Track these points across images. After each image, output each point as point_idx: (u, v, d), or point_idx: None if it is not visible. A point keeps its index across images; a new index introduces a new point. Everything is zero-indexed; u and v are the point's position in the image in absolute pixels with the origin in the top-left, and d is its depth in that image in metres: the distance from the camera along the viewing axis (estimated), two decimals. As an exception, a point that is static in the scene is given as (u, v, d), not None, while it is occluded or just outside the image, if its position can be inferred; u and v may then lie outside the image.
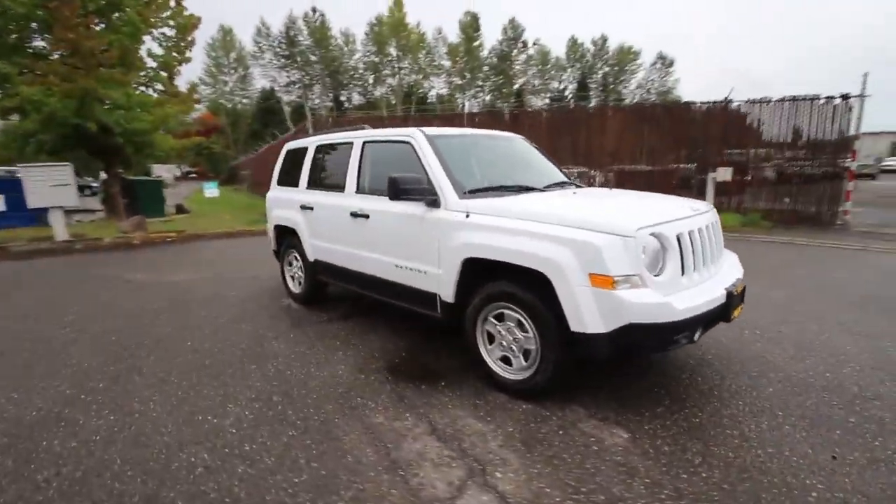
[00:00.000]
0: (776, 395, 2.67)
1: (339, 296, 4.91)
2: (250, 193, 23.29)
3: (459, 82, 53.04)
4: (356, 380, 3.01)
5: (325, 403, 2.70)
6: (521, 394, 2.69)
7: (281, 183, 4.87)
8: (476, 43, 51.84)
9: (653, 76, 56.78)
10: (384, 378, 3.03)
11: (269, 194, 5.06)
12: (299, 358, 3.37)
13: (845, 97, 10.13)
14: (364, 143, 3.77)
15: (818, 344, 3.40)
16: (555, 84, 56.34)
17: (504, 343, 2.74)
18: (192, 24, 12.23)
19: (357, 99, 50.05)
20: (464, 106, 51.67)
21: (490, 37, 71.33)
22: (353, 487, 1.97)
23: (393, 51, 48.41)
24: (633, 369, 3.04)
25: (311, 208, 4.21)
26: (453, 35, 51.73)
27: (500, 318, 2.74)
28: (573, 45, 55.54)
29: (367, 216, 3.55)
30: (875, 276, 5.45)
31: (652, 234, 2.32)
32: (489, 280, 2.78)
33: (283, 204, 4.71)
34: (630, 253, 2.25)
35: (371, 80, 49.58)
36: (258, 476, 2.05)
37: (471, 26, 51.30)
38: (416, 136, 3.31)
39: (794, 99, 10.60)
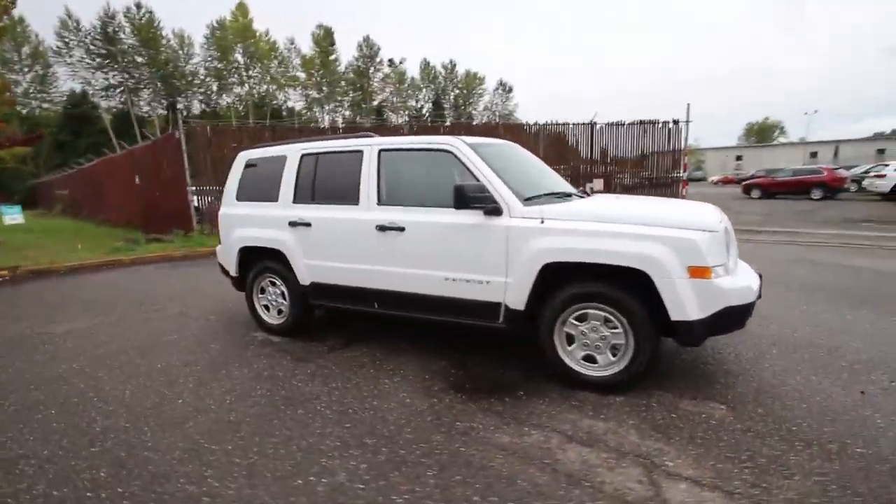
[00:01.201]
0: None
1: (325, 322, 4.40)
2: (73, 218, 18.86)
3: (317, 95, 51.30)
4: (435, 404, 2.77)
5: (430, 434, 2.44)
6: (605, 388, 2.81)
7: (243, 198, 4.18)
8: (332, 57, 50.86)
9: (496, 100, 63.10)
10: (460, 398, 2.85)
11: (226, 211, 4.29)
12: (346, 394, 2.95)
13: (676, 122, 12.83)
14: (380, 151, 3.50)
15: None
16: (412, 102, 58.46)
17: (588, 342, 2.84)
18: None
19: (199, 107, 44.53)
20: (324, 120, 50.14)
21: (346, 52, 70.80)
22: (554, 510, 1.85)
23: (240, 58, 44.48)
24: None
25: (308, 224, 3.70)
26: (307, 47, 49.94)
27: (582, 318, 2.84)
28: (426, 66, 58.50)
29: (401, 229, 3.29)
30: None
31: (725, 228, 2.70)
32: (558, 285, 2.86)
33: (254, 222, 4.04)
34: (718, 245, 2.59)
35: (215, 88, 44.66)
36: (443, 527, 1.78)
37: (325, 40, 50.14)
38: (458, 144, 3.22)
39: (641, 122, 13.01)
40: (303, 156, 3.86)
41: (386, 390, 2.99)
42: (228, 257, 4.28)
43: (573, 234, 2.77)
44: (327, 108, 52.45)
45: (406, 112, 56.31)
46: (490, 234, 3.00)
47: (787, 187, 20.76)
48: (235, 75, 44.84)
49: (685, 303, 2.54)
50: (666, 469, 2.07)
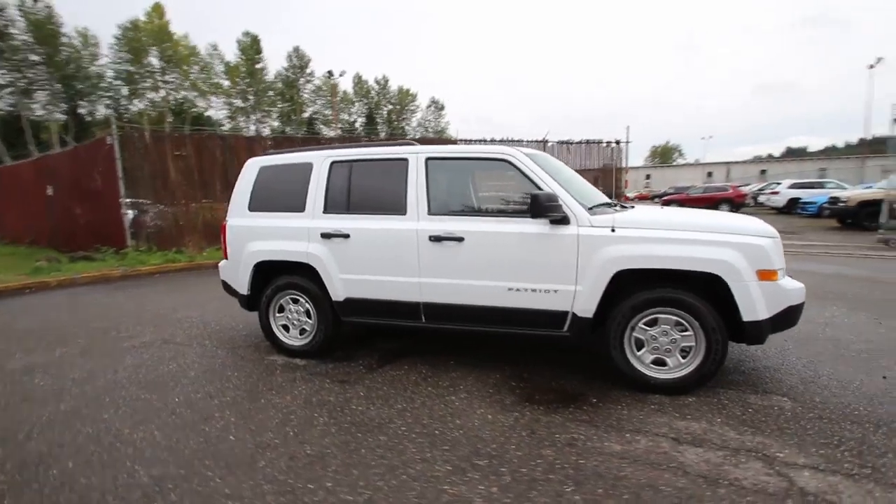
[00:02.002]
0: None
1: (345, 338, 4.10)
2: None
3: (242, 105, 48.64)
4: (519, 419, 2.68)
5: (538, 450, 2.35)
6: (672, 390, 2.91)
7: (258, 208, 3.81)
8: (259, 66, 48.68)
9: (429, 117, 64.15)
10: (539, 410, 2.79)
11: (236, 223, 3.88)
12: (419, 415, 2.76)
13: (618, 142, 13.91)
14: (427, 159, 3.38)
15: None
16: (345, 116, 57.52)
17: (658, 346, 2.93)
18: None
19: (105, 112, 40.11)
20: (250, 129, 47.56)
21: (275, 62, 68.09)
22: (710, 512, 1.86)
23: (155, 61, 40.96)
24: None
25: (346, 236, 3.46)
26: (232, 54, 47.31)
27: (651, 323, 2.93)
28: (359, 81, 58.07)
29: (459, 239, 3.19)
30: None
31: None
32: (625, 291, 2.94)
33: (275, 234, 3.70)
34: (779, 250, 2.82)
35: (125, 92, 40.54)
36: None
37: (252, 48, 47.95)
38: (516, 153, 3.22)
39: (588, 142, 13.92)
40: (333, 163, 3.62)
41: (459, 408, 2.84)
42: (238, 274, 3.86)
43: (647, 241, 2.87)
44: (254, 117, 49.92)
45: (339, 125, 55.28)
46: (559, 243, 3.01)
47: (700, 202, 23.21)
48: (149, 80, 41.14)
49: (756, 304, 2.72)
50: (782, 460, 2.18)
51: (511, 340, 3.90)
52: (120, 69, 39.48)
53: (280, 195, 3.79)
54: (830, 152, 60.12)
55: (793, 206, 19.02)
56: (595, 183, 14.35)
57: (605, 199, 3.64)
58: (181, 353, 3.96)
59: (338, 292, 3.53)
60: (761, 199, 22.38)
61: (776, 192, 20.62)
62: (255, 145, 11.07)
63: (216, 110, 47.18)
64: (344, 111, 57.47)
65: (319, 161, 3.66)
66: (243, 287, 3.86)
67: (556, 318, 3.08)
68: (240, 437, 2.55)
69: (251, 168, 3.94)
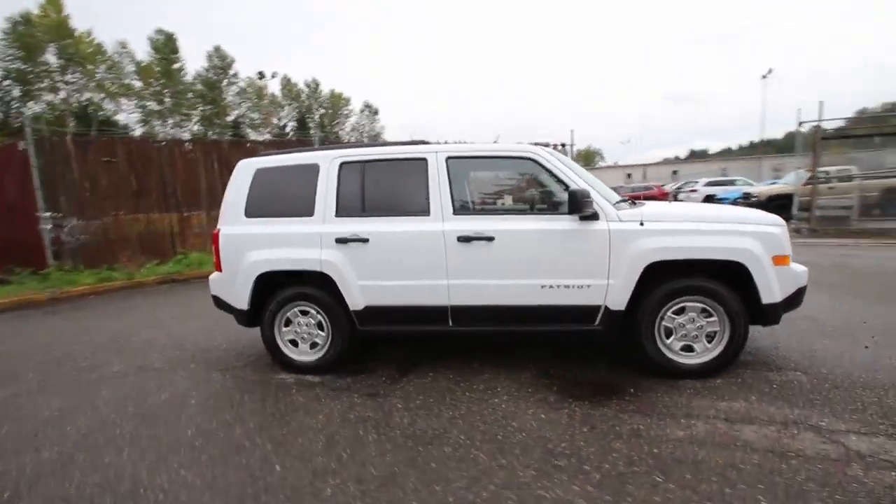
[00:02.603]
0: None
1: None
2: None
3: (158, 107, 44.77)
4: (573, 415, 2.68)
5: (608, 444, 2.35)
6: (700, 374, 3.07)
7: (256, 214, 3.50)
8: (176, 66, 45.10)
9: (363, 121, 63.18)
10: (587, 404, 2.81)
11: (231, 231, 3.53)
12: (472, 422, 2.66)
13: (563, 145, 14.54)
14: (447, 159, 3.30)
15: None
16: (274, 120, 54.99)
17: (686, 333, 3.07)
18: None
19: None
20: (167, 134, 43.86)
21: (194, 62, 63.42)
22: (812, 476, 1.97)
23: (53, 59, 36.48)
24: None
25: (365, 240, 3.27)
26: (144, 53, 43.39)
27: (679, 311, 3.07)
28: (287, 83, 55.81)
29: (489, 238, 3.13)
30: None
31: (782, 223, 3.21)
32: (654, 282, 3.06)
33: (280, 241, 3.41)
34: (787, 236, 3.07)
35: (17, 93, 35.67)
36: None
37: (166, 46, 44.31)
38: (540, 151, 3.24)
39: (536, 144, 14.38)
40: (342, 164, 3.41)
41: (508, 410, 2.79)
42: (236, 287, 3.50)
43: (676, 233, 3.00)
44: (171, 121, 46.11)
45: (267, 129, 52.74)
46: (591, 238, 3.06)
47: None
48: (46, 79, 36.59)
49: (773, 287, 2.94)
50: (826, 428, 2.37)
51: (527, 339, 3.91)
52: (10, 67, 34.73)
53: (282, 199, 3.51)
54: (727, 154, 67.36)
55: (710, 202, 21.05)
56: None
57: (617, 196, 3.76)
58: (168, 381, 3.52)
59: (356, 300, 3.32)
60: (681, 196, 24.53)
61: (695, 190, 22.68)
62: (212, 149, 10.26)
63: (127, 113, 43.02)
64: (273, 115, 54.94)
65: (326, 162, 3.44)
66: (242, 301, 3.51)
67: (589, 312, 3.12)
68: (288, 466, 2.30)
69: (245, 170, 3.61)
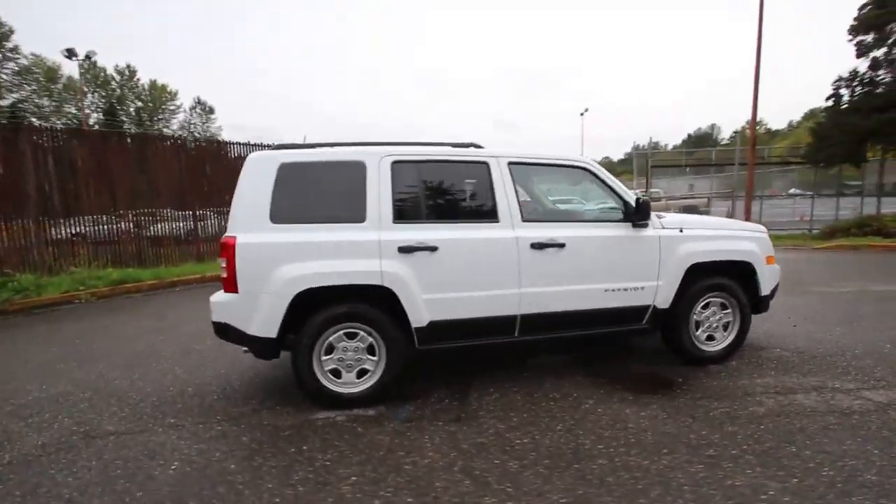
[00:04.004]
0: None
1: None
2: None
3: None
4: (661, 409, 2.84)
5: (721, 429, 2.58)
6: (719, 360, 3.57)
7: (285, 219, 2.86)
8: None
9: (195, 119, 55.45)
10: (662, 397, 3.02)
11: (253, 239, 2.80)
12: (591, 430, 2.62)
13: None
14: (510, 163, 3.21)
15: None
16: (70, 109, 44.28)
17: (710, 325, 3.55)
18: None
19: None
20: None
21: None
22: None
23: None
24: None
25: (434, 248, 2.93)
26: None
27: (706, 306, 3.53)
28: (92, 67, 45.61)
29: (560, 245, 3.13)
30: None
31: (758, 231, 3.96)
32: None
33: (324, 252, 2.83)
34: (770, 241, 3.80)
35: None
36: None
37: None
38: (591, 162, 3.39)
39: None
40: (394, 163, 3.03)
41: (609, 413, 2.81)
42: (261, 310, 2.77)
43: (708, 239, 3.46)
44: None
45: (61, 118, 42.25)
46: (645, 244, 3.31)
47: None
48: None
49: (767, 281, 3.62)
50: (848, 389, 3.01)
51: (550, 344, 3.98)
52: None
53: (320, 201, 2.93)
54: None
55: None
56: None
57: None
58: (158, 445, 2.57)
59: (420, 316, 2.95)
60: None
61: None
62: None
63: None
64: (69, 101, 44.22)
65: (374, 160, 3.00)
66: (269, 327, 2.79)
67: (640, 312, 3.37)
68: (459, 515, 1.93)
69: (263, 165, 2.90)
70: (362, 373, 2.99)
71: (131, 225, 8.77)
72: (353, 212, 2.92)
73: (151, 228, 9.06)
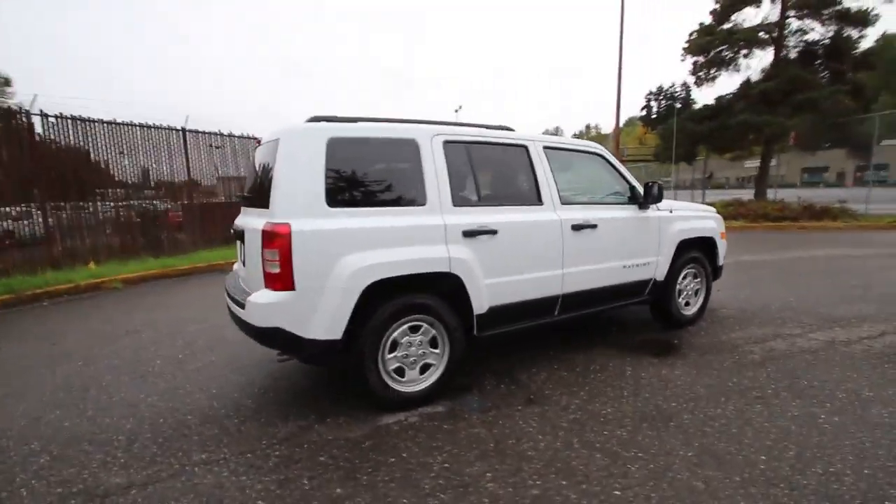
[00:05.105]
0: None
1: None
2: None
3: None
4: (694, 367, 3.25)
5: (746, 372, 3.05)
6: (692, 322, 4.18)
7: (344, 202, 2.51)
8: None
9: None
10: (686, 357, 3.44)
11: (311, 226, 2.38)
12: (662, 393, 2.86)
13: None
14: (544, 148, 3.27)
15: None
16: None
17: (688, 292, 4.12)
18: None
19: None
20: None
21: None
22: None
23: None
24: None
25: (494, 232, 2.84)
26: None
27: (684, 277, 4.09)
28: None
29: (594, 226, 3.31)
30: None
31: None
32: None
33: (390, 238, 2.55)
34: (720, 220, 4.54)
35: None
36: None
37: None
38: (602, 148, 3.64)
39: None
40: (445, 142, 2.86)
41: (655, 377, 3.08)
42: (323, 308, 2.38)
43: (689, 219, 4.00)
44: None
45: None
46: (650, 223, 3.70)
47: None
48: None
49: (721, 254, 4.35)
50: (795, 335, 3.79)
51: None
52: None
53: (377, 182, 2.63)
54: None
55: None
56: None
57: None
58: (212, 488, 2.05)
59: (482, 302, 2.86)
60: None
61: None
62: None
63: None
64: None
65: (426, 138, 2.79)
66: (334, 328, 2.41)
67: (645, 285, 3.76)
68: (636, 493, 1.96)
69: (311, 140, 2.47)
70: (424, 368, 2.78)
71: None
72: (413, 194, 2.68)
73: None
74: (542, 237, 3.11)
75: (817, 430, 2.35)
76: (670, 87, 20.05)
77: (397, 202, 2.65)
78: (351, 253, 2.44)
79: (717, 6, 15.40)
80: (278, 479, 2.10)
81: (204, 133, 10.52)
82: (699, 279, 4.21)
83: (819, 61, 14.68)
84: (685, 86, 19.81)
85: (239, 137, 11.40)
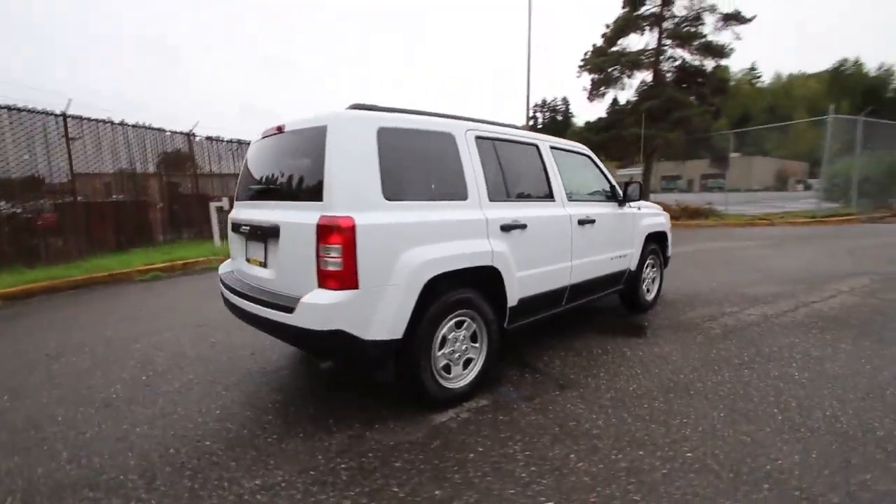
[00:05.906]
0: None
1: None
2: None
3: None
4: (693, 343, 3.69)
5: (752, 347, 3.56)
6: (651, 307, 4.74)
7: (398, 195, 2.41)
8: None
9: None
10: (663, 338, 3.88)
11: (373, 220, 2.25)
12: (650, 369, 3.19)
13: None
14: (551, 147, 3.46)
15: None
16: None
17: (648, 280, 4.64)
18: None
19: None
20: None
21: None
22: None
23: None
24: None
25: (524, 226, 2.93)
26: None
27: (646, 266, 4.60)
28: None
29: (593, 221, 3.58)
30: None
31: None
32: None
33: (444, 233, 2.51)
34: (665, 217, 5.17)
35: None
36: None
37: None
38: (590, 151, 3.95)
39: (240, 142, 12.62)
40: (478, 138, 2.89)
41: (646, 356, 3.43)
42: (386, 306, 2.26)
43: (651, 216, 4.50)
44: None
45: None
46: (627, 218, 4.10)
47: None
48: None
49: (670, 245, 4.97)
50: (736, 311, 4.48)
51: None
52: None
53: (426, 175, 2.56)
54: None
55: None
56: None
57: None
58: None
59: (514, 294, 2.94)
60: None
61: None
62: None
63: None
64: None
65: (460, 132, 2.80)
66: (397, 327, 2.29)
67: (622, 276, 4.16)
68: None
69: (361, 129, 2.32)
70: (468, 363, 2.76)
71: None
72: (456, 188, 2.67)
73: None
74: (558, 231, 3.29)
75: (799, 385, 2.85)
76: (552, 100, 22.14)
77: (443, 195, 2.60)
78: (412, 247, 2.35)
79: (608, 31, 17.42)
80: (365, 492, 1.94)
81: (90, 120, 8.97)
82: (656, 268, 4.77)
83: (685, 85, 17.41)
84: (565, 100, 21.95)
85: (133, 127, 9.93)
